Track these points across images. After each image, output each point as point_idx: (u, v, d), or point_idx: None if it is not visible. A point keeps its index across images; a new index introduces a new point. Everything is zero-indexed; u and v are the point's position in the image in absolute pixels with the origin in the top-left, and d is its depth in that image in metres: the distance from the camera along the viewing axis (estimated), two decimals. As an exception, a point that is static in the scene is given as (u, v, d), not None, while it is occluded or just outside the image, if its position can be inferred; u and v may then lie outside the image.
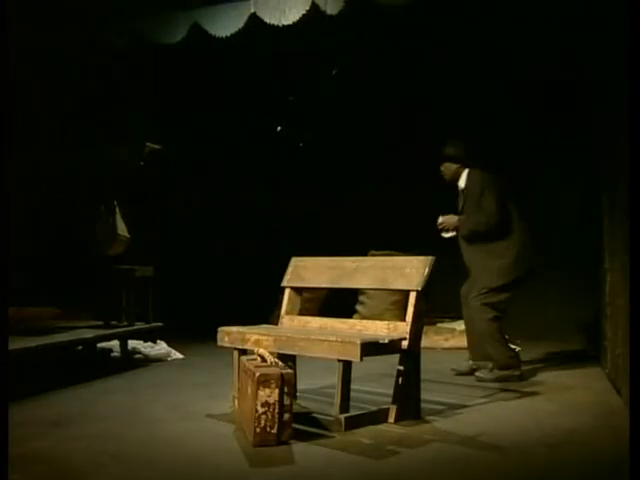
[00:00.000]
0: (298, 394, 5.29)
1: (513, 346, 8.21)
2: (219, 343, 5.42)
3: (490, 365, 6.40)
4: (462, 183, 6.63)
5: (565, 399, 5.57)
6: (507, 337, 6.54)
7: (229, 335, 5.35)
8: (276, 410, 4.22)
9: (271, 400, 4.21)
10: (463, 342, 8.42)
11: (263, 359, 4.62)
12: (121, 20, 7.42)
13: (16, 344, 6.10)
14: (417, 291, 4.95)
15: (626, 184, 3.75)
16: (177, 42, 7.39)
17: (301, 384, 5.41)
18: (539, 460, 4.02)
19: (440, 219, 6.57)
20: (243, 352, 5.16)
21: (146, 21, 7.40)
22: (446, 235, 6.57)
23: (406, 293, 5.07)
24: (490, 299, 6.32)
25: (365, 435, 4.50)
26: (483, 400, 5.55)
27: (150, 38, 7.43)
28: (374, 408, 4.95)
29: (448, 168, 6.69)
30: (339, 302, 7.60)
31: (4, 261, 3.19)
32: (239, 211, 10.34)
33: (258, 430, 4.21)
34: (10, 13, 4.66)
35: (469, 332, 6.68)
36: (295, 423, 4.36)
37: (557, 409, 5.24)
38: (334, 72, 6.07)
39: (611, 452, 3.98)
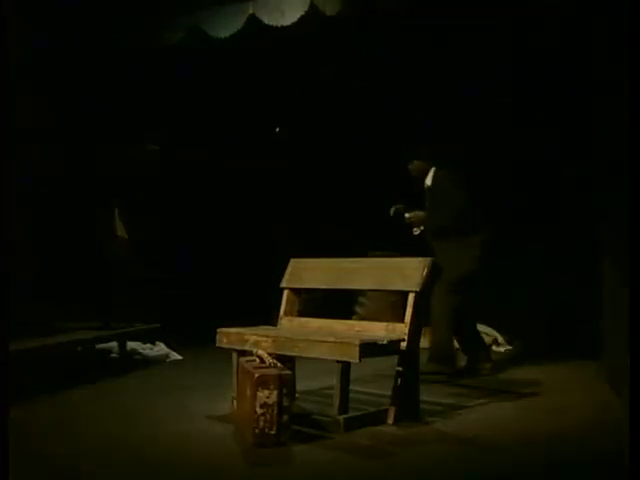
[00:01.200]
0: (297, 395, 5.29)
1: (510, 347, 8.28)
2: (218, 344, 5.42)
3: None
4: (428, 181, 6.81)
5: (564, 399, 5.57)
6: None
7: (228, 336, 5.35)
8: (275, 411, 4.22)
9: (270, 401, 4.21)
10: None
11: (262, 360, 4.63)
12: (125, 21, 7.44)
13: (15, 345, 6.11)
14: (416, 292, 4.95)
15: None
16: (176, 43, 7.41)
17: (300, 385, 5.41)
18: (538, 461, 4.02)
19: (407, 215, 6.75)
20: (242, 353, 5.15)
21: (147, 23, 7.41)
22: (416, 232, 6.77)
23: (405, 294, 5.07)
24: (452, 291, 6.46)
25: (364, 436, 4.50)
26: (482, 401, 5.55)
27: (150, 40, 7.44)
28: (373, 409, 4.95)
29: (416, 165, 6.87)
30: (338, 303, 7.59)
31: (4, 262, 3.19)
32: (239, 211, 10.33)
33: (257, 431, 4.21)
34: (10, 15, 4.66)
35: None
36: (294, 424, 4.37)
37: (556, 410, 5.24)
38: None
39: (610, 452, 3.97)
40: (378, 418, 4.79)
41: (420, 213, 6.72)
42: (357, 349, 4.48)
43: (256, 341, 5.07)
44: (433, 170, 6.80)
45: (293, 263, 5.88)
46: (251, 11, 6.94)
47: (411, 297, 4.96)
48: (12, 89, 6.91)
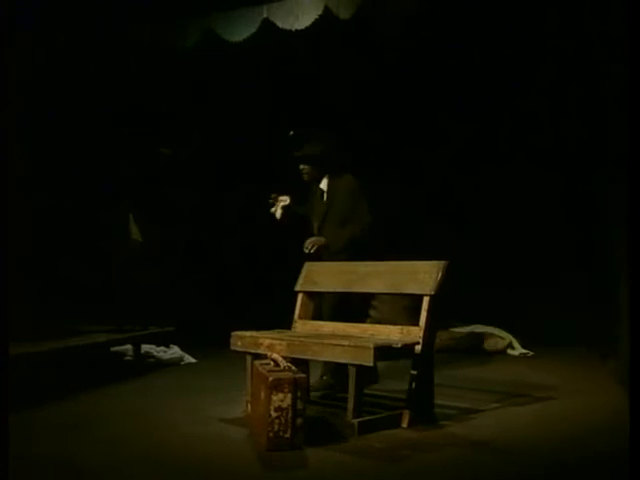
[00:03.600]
0: (311, 398, 5.29)
1: (525, 351, 8.25)
2: (232, 348, 5.43)
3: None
4: (324, 186, 6.19)
5: (578, 404, 5.55)
6: None
7: (242, 340, 5.36)
8: (289, 415, 4.22)
9: (284, 405, 4.22)
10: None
11: (276, 364, 4.63)
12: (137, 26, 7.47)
13: (30, 347, 6.15)
14: (430, 296, 4.94)
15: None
16: (191, 47, 7.43)
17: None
18: (551, 466, 4.01)
19: (309, 241, 6.13)
20: (256, 357, 5.16)
21: (161, 27, 7.44)
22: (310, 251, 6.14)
23: (419, 298, 5.06)
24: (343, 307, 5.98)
25: (378, 440, 4.50)
26: (496, 405, 5.53)
27: (165, 44, 7.47)
28: (387, 413, 4.94)
29: (311, 167, 6.19)
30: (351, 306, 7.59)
31: (4, 265, 3.20)
32: (254, 213, 10.32)
33: (271, 435, 4.21)
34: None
35: None
36: (308, 428, 4.36)
37: (570, 414, 5.22)
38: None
39: (623, 457, 3.95)
40: (392, 421, 4.79)
41: (321, 238, 6.09)
42: (371, 352, 4.48)
43: (270, 344, 5.07)
44: (329, 175, 6.17)
45: (307, 266, 5.89)
46: (265, 15, 6.94)
47: (425, 300, 4.96)
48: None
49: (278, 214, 6.28)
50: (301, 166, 6.19)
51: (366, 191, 6.12)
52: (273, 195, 6.31)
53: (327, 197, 6.18)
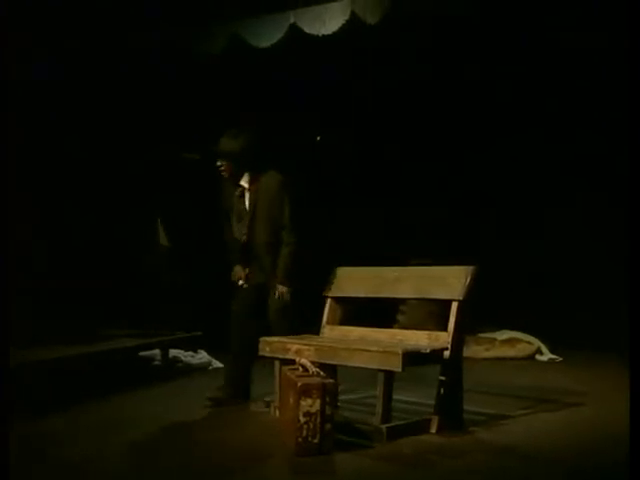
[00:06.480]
0: (339, 404, 5.28)
1: (553, 356, 8.19)
2: (260, 353, 5.44)
3: None
4: (245, 182, 5.89)
5: (606, 411, 5.48)
6: None
7: (270, 345, 5.37)
8: (318, 420, 4.22)
9: (313, 410, 4.22)
10: (504, 352, 8.43)
11: (305, 369, 4.63)
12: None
13: (59, 352, 6.20)
14: (459, 301, 4.93)
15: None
16: (218, 53, 7.46)
17: (342, 394, 5.41)
18: (579, 473, 3.98)
19: (235, 275, 5.96)
20: (285, 362, 5.16)
21: (186, 32, 7.47)
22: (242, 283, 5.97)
23: (448, 303, 5.04)
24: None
25: (407, 445, 4.49)
26: (524, 411, 5.48)
27: (191, 49, 7.51)
28: (416, 418, 4.93)
29: (229, 163, 5.84)
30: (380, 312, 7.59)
31: (5, 272, 3.23)
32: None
33: (300, 440, 4.21)
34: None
35: None
36: (337, 433, 4.37)
37: (597, 421, 5.17)
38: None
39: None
40: (421, 427, 4.77)
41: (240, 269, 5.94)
42: (400, 358, 4.47)
43: (298, 350, 5.08)
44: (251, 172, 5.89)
45: (335, 272, 5.88)
46: (292, 20, 6.95)
47: (454, 306, 4.94)
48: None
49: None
50: (218, 162, 5.84)
51: (289, 188, 5.88)
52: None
53: (250, 195, 5.89)
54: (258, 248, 5.87)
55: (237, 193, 5.93)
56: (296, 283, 5.77)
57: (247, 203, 5.90)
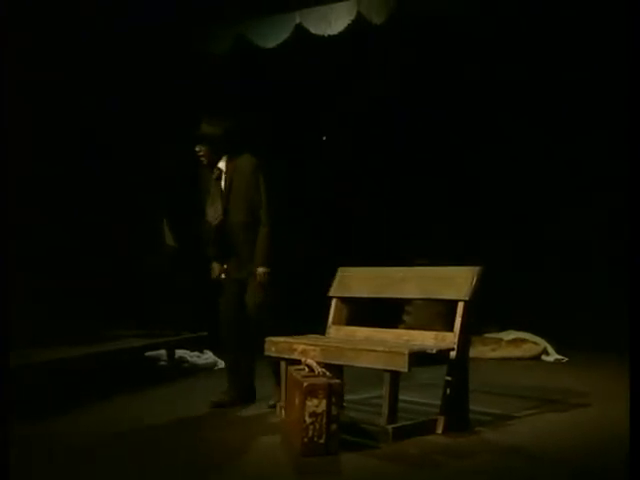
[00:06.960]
0: (345, 404, 5.28)
1: (560, 357, 8.18)
2: (266, 353, 5.43)
3: None
4: (223, 165, 5.87)
5: (611, 411, 5.46)
6: None
7: (276, 345, 5.37)
8: (324, 420, 4.22)
9: (319, 410, 4.22)
10: (510, 353, 8.42)
11: (311, 369, 4.63)
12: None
13: (65, 353, 6.21)
14: (465, 301, 4.92)
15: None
16: (223, 52, 7.47)
17: (348, 394, 5.40)
18: (585, 474, 3.98)
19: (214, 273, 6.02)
20: (290, 362, 5.16)
21: (194, 32, 7.49)
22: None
23: (454, 303, 5.04)
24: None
25: (413, 446, 4.48)
26: (530, 411, 5.48)
27: (197, 49, 7.52)
28: (422, 419, 4.92)
29: (208, 149, 5.83)
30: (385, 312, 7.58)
31: (6, 272, 3.23)
32: (290, 216, 10.34)
33: (306, 440, 4.21)
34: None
35: None
36: (343, 433, 4.37)
37: (603, 421, 5.15)
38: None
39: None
40: (427, 428, 4.77)
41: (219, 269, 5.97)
42: (406, 358, 4.46)
43: (304, 350, 5.08)
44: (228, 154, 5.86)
45: (341, 272, 5.88)
46: (298, 21, 6.96)
47: (460, 306, 4.93)
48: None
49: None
50: (197, 147, 5.80)
51: (265, 169, 5.87)
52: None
53: (225, 177, 5.86)
54: (234, 229, 5.82)
55: (214, 176, 5.88)
56: (274, 265, 5.72)
57: (223, 185, 5.87)
